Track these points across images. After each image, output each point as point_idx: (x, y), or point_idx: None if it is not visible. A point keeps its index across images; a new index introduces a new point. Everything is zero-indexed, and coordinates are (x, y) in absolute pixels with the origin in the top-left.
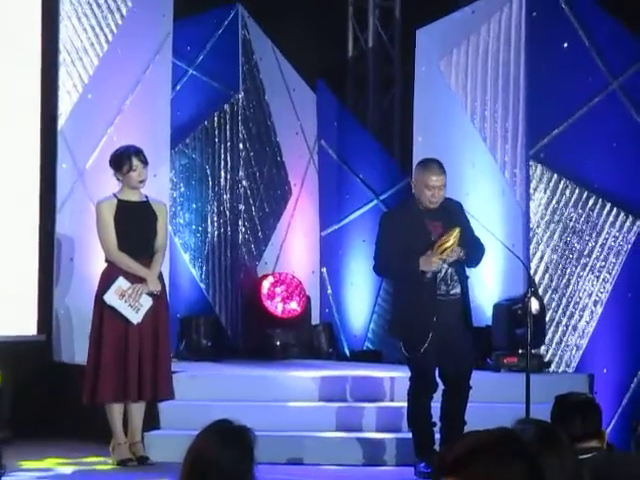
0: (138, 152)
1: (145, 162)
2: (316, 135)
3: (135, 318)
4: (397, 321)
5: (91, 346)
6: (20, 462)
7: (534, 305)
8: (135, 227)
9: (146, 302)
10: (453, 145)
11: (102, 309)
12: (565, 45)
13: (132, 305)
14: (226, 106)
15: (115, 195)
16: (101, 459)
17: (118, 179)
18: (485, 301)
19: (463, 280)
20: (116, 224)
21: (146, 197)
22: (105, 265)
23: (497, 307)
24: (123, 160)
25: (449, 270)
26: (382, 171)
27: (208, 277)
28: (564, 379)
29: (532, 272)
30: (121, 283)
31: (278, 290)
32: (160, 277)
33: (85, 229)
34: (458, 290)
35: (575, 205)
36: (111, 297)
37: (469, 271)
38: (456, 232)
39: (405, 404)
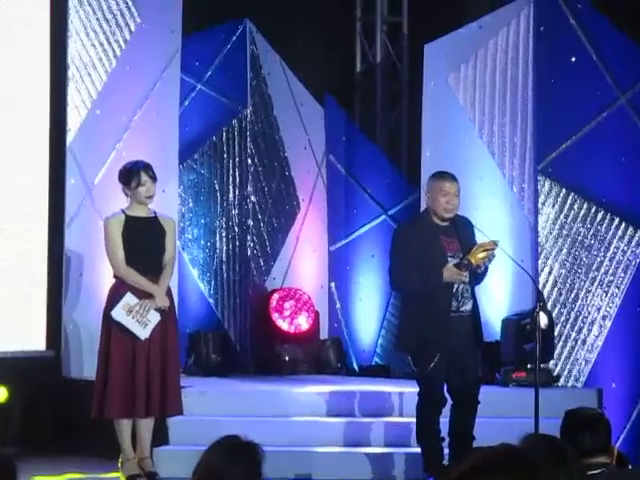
0: (147, 167)
1: (154, 178)
2: (324, 150)
3: (142, 334)
4: (407, 336)
5: (99, 362)
6: (30, 478)
7: (543, 320)
8: (143, 243)
9: (154, 318)
10: (461, 160)
11: (110, 325)
12: (573, 59)
13: (139, 321)
14: (234, 121)
15: (123, 211)
16: (110, 475)
17: (126, 194)
18: (494, 316)
19: (475, 297)
20: (124, 240)
21: (154, 213)
22: (113, 281)
23: (506, 322)
24: (132, 175)
25: (461, 287)
26: (390, 186)
27: (217, 292)
28: (573, 394)
29: (541, 287)
30: (129, 299)
31: (287, 305)
32: (169, 293)
33: (94, 245)
34: (469, 307)
35: (583, 219)
36: (118, 313)
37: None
38: (497, 243)
39: (414, 419)
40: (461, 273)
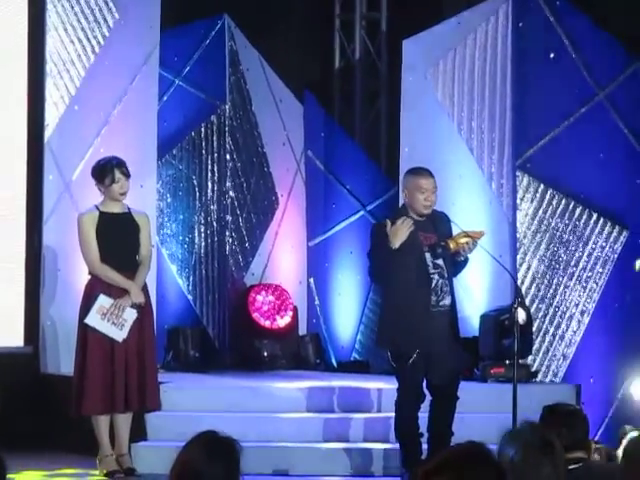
0: (120, 164)
1: (127, 174)
2: (303, 146)
3: (120, 336)
4: (386, 332)
5: (77, 358)
6: (7, 475)
7: (521, 315)
8: (118, 239)
9: (130, 316)
10: (440, 156)
11: (86, 326)
12: (551, 56)
13: (115, 322)
14: (213, 117)
15: (97, 207)
16: (88, 471)
17: (100, 190)
18: (472, 311)
19: (453, 292)
20: (98, 236)
21: (128, 208)
22: (88, 278)
23: (484, 317)
24: (105, 172)
25: (440, 281)
26: (369, 182)
27: (195, 288)
28: (551, 389)
29: (519, 282)
30: (102, 302)
31: (265, 301)
32: (145, 288)
33: (72, 240)
34: (448, 302)
35: (562, 215)
36: (93, 318)
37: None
38: (482, 234)
39: (392, 415)
40: (404, 222)
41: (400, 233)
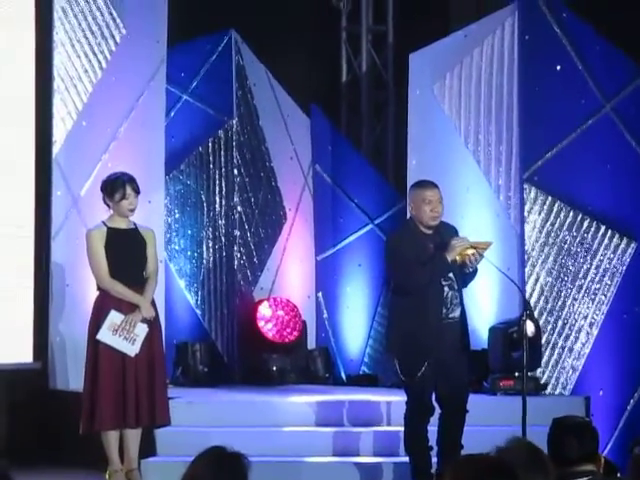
0: (132, 180)
1: (137, 191)
2: (310, 160)
3: (132, 351)
4: (395, 343)
5: (87, 374)
6: None
7: (530, 328)
8: (126, 255)
9: (141, 331)
10: (447, 169)
11: (97, 342)
12: (558, 68)
13: (127, 337)
14: (220, 132)
15: (104, 223)
16: None
17: (108, 205)
18: (481, 324)
19: (463, 304)
20: (106, 252)
21: (134, 224)
22: (97, 293)
23: (493, 330)
24: (116, 187)
25: (450, 293)
26: (377, 195)
27: (204, 303)
28: (560, 401)
29: (527, 295)
30: (114, 318)
31: (274, 315)
32: (153, 303)
33: (80, 256)
34: (457, 314)
35: (569, 228)
36: (105, 334)
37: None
38: (489, 245)
39: (402, 428)
40: (461, 239)
41: (458, 248)
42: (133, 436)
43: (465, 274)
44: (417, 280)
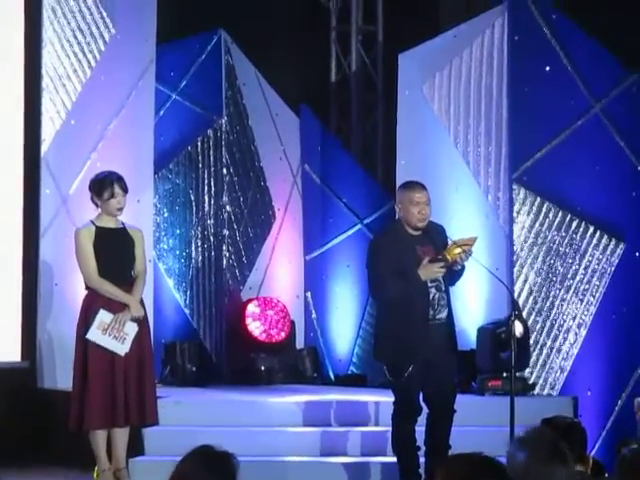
0: (120, 179)
1: (125, 190)
2: (299, 160)
3: (122, 350)
4: (383, 345)
5: (76, 374)
6: None
7: (518, 328)
8: (114, 254)
9: (131, 330)
10: (436, 169)
11: (85, 341)
12: (547, 68)
13: (117, 337)
14: (209, 131)
15: (93, 222)
16: None
17: (96, 204)
18: (469, 324)
19: (450, 305)
20: (95, 251)
21: (123, 224)
22: (85, 293)
23: (481, 330)
24: (105, 186)
25: (437, 295)
26: (366, 195)
27: (192, 302)
28: (549, 402)
29: (516, 295)
30: (103, 317)
31: (262, 315)
32: (141, 303)
33: (69, 255)
34: (444, 315)
35: (558, 228)
36: (94, 334)
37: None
38: (474, 240)
39: (390, 428)
40: (437, 265)
41: (430, 272)
42: (121, 435)
43: (453, 272)
44: (389, 293)
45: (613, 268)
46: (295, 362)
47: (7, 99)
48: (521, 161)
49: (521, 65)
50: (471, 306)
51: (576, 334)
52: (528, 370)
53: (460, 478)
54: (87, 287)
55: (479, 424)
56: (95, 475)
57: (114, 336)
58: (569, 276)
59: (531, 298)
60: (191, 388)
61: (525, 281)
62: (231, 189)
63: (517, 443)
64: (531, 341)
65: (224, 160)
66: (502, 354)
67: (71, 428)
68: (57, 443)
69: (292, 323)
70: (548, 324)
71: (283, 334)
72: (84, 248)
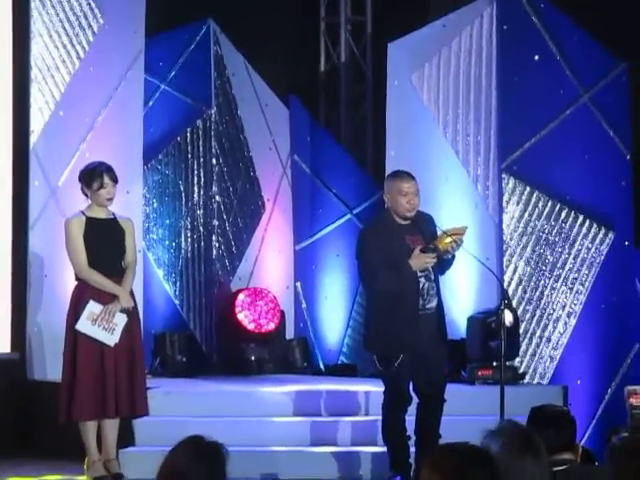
0: (109, 170)
1: (115, 180)
2: (289, 150)
3: (111, 340)
4: (373, 335)
5: (66, 365)
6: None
7: (508, 317)
8: (104, 244)
9: (121, 320)
10: (426, 159)
11: (75, 332)
12: (536, 58)
13: (106, 328)
14: (199, 122)
15: (83, 212)
16: (75, 477)
17: (85, 195)
18: (459, 314)
19: (440, 294)
20: (85, 242)
21: (113, 214)
22: (75, 284)
23: (471, 320)
24: (94, 177)
25: (426, 284)
26: (355, 185)
27: (182, 293)
28: (538, 391)
29: (506, 284)
30: (92, 308)
31: (252, 305)
32: (131, 294)
33: (58, 246)
34: (434, 304)
35: (548, 217)
36: (83, 324)
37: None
38: (465, 229)
39: (380, 418)
40: (429, 256)
41: (421, 262)
42: (111, 426)
43: (443, 261)
44: (380, 284)
45: (602, 257)
46: (285, 352)
47: None
48: (510, 151)
49: (510, 55)
50: (461, 295)
51: (566, 323)
52: (518, 359)
53: (446, 469)
54: (77, 278)
55: (469, 413)
56: (85, 466)
57: (103, 327)
58: (559, 265)
59: (521, 287)
60: (181, 379)
61: (515, 270)
62: (220, 179)
63: (489, 435)
64: (521, 330)
65: (213, 150)
66: (492, 343)
67: (61, 419)
68: (47, 435)
69: (282, 313)
70: (538, 313)
71: (273, 324)
72: (74, 238)
